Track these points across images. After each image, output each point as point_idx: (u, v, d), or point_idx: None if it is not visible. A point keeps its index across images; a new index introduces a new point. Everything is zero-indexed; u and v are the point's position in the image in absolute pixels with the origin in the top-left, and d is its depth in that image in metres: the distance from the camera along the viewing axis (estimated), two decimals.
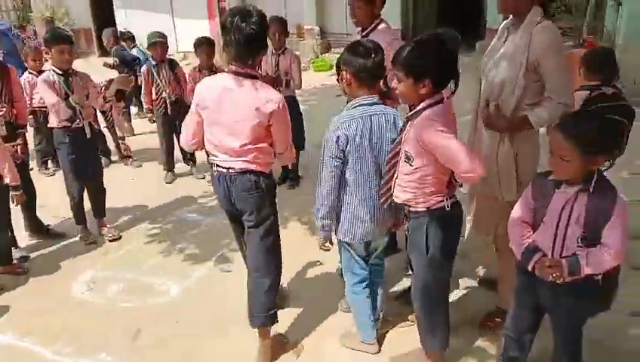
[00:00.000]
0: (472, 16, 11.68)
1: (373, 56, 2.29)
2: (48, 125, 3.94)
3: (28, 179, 3.96)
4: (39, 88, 3.86)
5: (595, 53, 3.38)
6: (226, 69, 2.50)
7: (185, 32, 11.83)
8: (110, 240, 4.13)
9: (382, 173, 2.34)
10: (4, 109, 3.65)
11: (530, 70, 2.29)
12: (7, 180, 3.43)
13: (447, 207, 2.23)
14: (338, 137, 2.28)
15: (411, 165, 2.15)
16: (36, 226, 4.18)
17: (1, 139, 3.46)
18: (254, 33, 2.28)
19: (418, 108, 2.13)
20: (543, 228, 2.07)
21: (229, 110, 2.35)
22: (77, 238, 4.14)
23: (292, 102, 4.26)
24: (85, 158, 3.93)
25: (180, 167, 5.45)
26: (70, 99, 3.73)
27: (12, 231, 3.86)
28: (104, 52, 9.91)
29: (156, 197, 4.93)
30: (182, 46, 11.38)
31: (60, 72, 3.74)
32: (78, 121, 3.80)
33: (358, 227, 2.45)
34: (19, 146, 3.79)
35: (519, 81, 2.31)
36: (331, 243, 2.57)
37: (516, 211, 2.18)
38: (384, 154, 2.35)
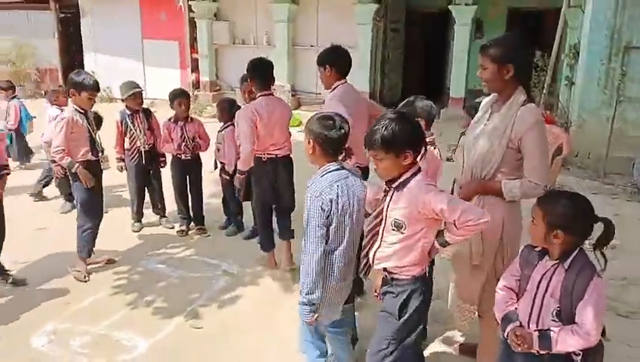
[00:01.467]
0: (434, 84, 12.34)
1: (341, 129, 2.37)
2: None
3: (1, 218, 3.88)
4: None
5: None
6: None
7: (154, 80, 11.91)
8: (77, 279, 4.06)
9: (354, 238, 2.40)
10: None
11: (511, 147, 2.44)
12: None
13: (427, 273, 2.32)
14: (322, 203, 2.30)
15: (402, 233, 2.22)
16: None
17: None
18: None
19: (403, 178, 2.22)
20: (523, 298, 2.16)
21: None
22: (39, 287, 3.98)
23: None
24: None
25: (148, 214, 5.34)
26: None
27: None
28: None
29: (123, 245, 4.79)
30: (150, 93, 11.40)
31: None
32: None
33: (332, 306, 2.46)
34: None
35: (497, 155, 2.46)
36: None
37: (503, 277, 2.28)
38: (360, 215, 2.42)
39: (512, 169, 2.48)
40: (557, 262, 2.05)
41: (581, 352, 2.01)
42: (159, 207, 5.30)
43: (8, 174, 3.84)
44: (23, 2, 13.44)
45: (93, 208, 4.17)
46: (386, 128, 2.15)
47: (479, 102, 2.90)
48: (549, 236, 2.03)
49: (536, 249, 2.15)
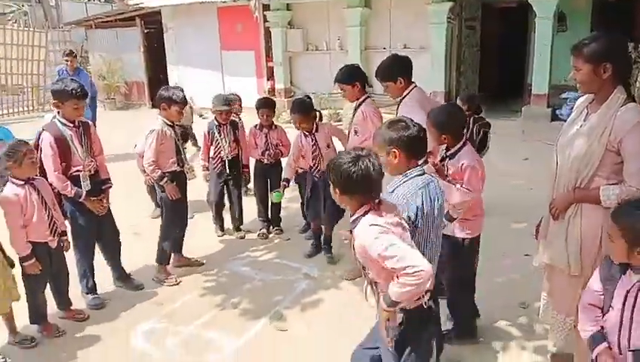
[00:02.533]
0: (513, 81, 11.87)
1: (415, 126, 2.31)
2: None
3: (113, 227, 4.16)
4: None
5: None
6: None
7: (233, 88, 12.33)
8: (169, 286, 4.27)
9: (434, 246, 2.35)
10: (92, 163, 3.83)
11: (610, 150, 2.30)
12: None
13: (425, 303, 2.17)
14: (409, 209, 2.24)
15: (369, 273, 2.19)
16: (119, 275, 4.29)
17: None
18: None
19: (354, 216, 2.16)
20: (610, 315, 2.04)
21: None
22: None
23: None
24: None
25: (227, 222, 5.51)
26: None
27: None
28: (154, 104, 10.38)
29: (209, 249, 5.02)
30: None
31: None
32: None
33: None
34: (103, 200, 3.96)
35: (595, 156, 2.33)
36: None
37: (585, 293, 2.16)
38: (441, 217, 2.40)
39: (611, 172, 2.33)
40: None
41: None
42: (236, 218, 5.40)
43: (110, 187, 4.06)
44: (114, 22, 14.47)
45: (176, 218, 4.38)
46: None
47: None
48: (633, 252, 1.91)
49: (616, 263, 2.02)
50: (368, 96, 4.20)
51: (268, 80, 12.57)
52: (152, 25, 14.16)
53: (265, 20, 11.94)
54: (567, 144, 2.47)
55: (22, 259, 3.37)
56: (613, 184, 2.32)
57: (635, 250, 1.91)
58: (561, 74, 9.90)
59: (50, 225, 3.47)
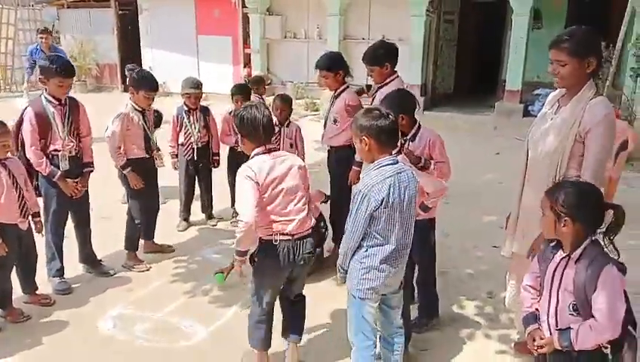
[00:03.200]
0: (488, 76, 12.03)
1: (389, 117, 2.35)
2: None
3: (86, 211, 4.07)
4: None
5: None
6: None
7: (208, 75, 12.18)
8: (140, 271, 4.21)
9: (405, 231, 2.43)
10: (71, 144, 3.75)
11: (579, 141, 2.36)
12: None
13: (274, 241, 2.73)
14: (369, 201, 2.30)
15: None
16: (86, 257, 4.20)
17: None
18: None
19: None
20: (543, 295, 2.12)
21: None
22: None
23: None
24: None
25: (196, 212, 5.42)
26: None
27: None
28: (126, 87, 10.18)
29: (180, 236, 4.97)
30: (205, 87, 11.66)
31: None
32: None
33: (378, 278, 2.43)
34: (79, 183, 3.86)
35: (567, 150, 2.38)
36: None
37: (526, 277, 2.25)
38: (412, 205, 2.43)
39: (580, 164, 2.39)
40: (567, 254, 2.00)
41: (609, 345, 1.94)
42: (207, 206, 5.35)
43: (91, 171, 3.97)
44: (87, 1, 14.08)
45: (142, 205, 4.29)
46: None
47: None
48: (559, 226, 1.98)
49: (552, 243, 2.09)
50: (348, 86, 4.16)
51: (245, 67, 12.44)
52: (127, 6, 13.82)
53: (243, 6, 11.79)
54: (539, 138, 2.52)
55: None
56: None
57: (560, 224, 1.98)
58: (534, 71, 10.09)
59: (20, 205, 3.39)
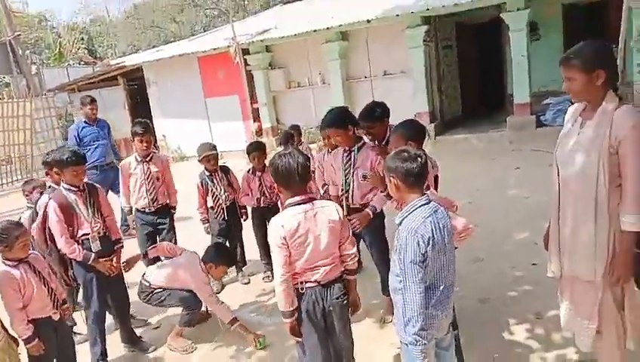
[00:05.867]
0: (494, 93, 12.06)
1: (417, 158, 2.32)
2: None
3: (124, 290, 4.15)
4: None
5: None
6: None
7: (220, 134, 12.46)
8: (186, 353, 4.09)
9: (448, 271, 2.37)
10: (99, 225, 3.86)
11: (612, 153, 2.32)
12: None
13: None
14: (419, 241, 2.24)
15: None
16: (128, 336, 4.22)
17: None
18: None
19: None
20: None
21: None
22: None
23: None
24: None
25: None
26: None
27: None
28: None
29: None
30: (219, 147, 11.89)
31: None
32: None
33: (432, 324, 2.33)
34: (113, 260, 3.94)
35: (600, 166, 2.34)
36: None
37: None
38: (452, 242, 2.39)
39: (616, 176, 2.34)
40: None
41: None
42: (239, 261, 5.37)
43: (121, 248, 4.06)
44: (96, 83, 14.65)
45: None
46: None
47: None
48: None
49: None
50: (365, 142, 3.89)
51: (254, 121, 12.69)
52: (134, 81, 14.35)
53: (246, 64, 12.14)
54: (568, 156, 2.48)
55: (25, 341, 3.24)
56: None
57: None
58: (539, 81, 10.10)
59: (51, 298, 3.38)
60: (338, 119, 3.79)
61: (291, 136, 6.15)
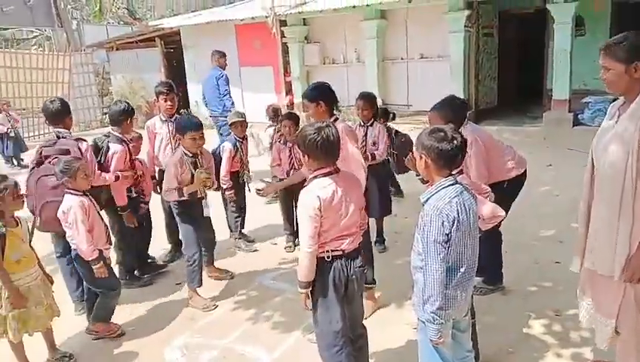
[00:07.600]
0: (532, 86, 11.79)
1: (453, 140, 2.29)
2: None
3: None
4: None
5: None
6: None
7: (252, 104, 12.49)
8: (206, 310, 4.18)
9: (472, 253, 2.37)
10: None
11: None
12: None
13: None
14: (444, 221, 2.25)
15: None
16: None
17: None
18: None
19: None
20: None
21: None
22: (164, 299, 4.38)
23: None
24: None
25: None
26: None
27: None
28: None
29: (237, 263, 5.07)
30: (249, 117, 11.95)
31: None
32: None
33: (452, 304, 2.35)
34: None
35: (632, 160, 2.31)
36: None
37: None
38: (477, 224, 2.39)
39: None
40: None
41: None
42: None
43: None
44: (134, 43, 14.80)
45: (191, 241, 4.22)
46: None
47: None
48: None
49: None
50: (337, 118, 3.71)
51: (286, 95, 12.69)
52: (172, 45, 14.43)
53: (282, 36, 12.10)
54: (602, 150, 2.45)
55: (92, 262, 3.56)
56: None
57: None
58: (580, 78, 9.83)
59: (106, 233, 3.78)
60: (308, 92, 3.71)
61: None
